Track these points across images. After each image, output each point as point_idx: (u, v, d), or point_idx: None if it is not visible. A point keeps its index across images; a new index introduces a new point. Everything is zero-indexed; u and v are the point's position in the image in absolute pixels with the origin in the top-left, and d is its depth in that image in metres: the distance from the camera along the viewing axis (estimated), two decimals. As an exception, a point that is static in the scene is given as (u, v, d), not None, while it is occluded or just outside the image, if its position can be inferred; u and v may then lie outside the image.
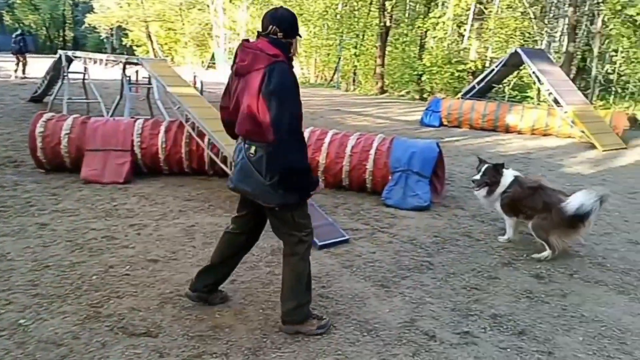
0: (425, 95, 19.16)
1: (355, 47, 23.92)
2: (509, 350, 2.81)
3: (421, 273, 3.75)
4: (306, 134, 5.89)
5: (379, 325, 2.99)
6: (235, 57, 2.67)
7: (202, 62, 33.00)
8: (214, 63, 31.28)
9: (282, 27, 2.61)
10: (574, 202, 3.94)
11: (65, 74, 9.35)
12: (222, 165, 5.56)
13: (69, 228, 4.24)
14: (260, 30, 2.65)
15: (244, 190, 2.72)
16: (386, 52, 21.97)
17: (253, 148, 2.62)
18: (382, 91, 21.35)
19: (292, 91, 2.55)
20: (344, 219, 4.87)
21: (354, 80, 24.56)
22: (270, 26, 2.60)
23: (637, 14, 12.93)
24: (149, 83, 8.15)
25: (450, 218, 5.09)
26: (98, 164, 5.56)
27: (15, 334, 2.69)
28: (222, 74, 22.54)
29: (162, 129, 5.86)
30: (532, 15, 20.65)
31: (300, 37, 2.76)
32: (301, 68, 29.26)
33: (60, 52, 9.79)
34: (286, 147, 2.52)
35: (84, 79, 9.67)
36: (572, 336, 2.99)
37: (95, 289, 3.24)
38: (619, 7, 13.43)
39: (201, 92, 10.59)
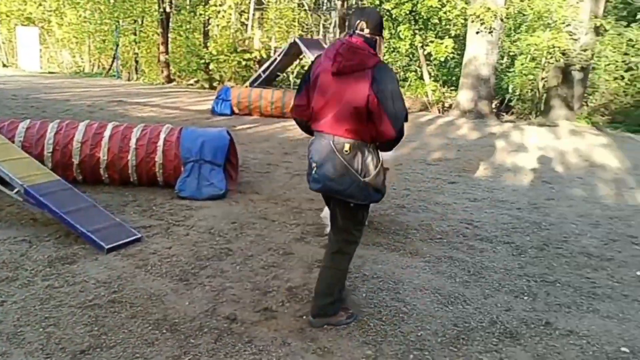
0: (215, 84, 19.09)
1: (135, 34, 22.48)
2: (304, 317, 3.03)
3: (220, 260, 3.78)
4: (81, 128, 5.37)
5: (179, 319, 2.94)
6: (332, 55, 2.57)
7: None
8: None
9: (370, 24, 2.62)
10: None
11: None
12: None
13: None
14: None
15: (336, 189, 2.67)
16: (169, 39, 21.19)
17: (347, 146, 2.61)
18: (169, 80, 20.59)
19: (400, 90, 2.63)
20: (135, 217, 4.61)
21: (136, 69, 23.11)
22: (359, 21, 2.62)
23: (393, 8, 14.91)
24: None
25: (247, 203, 5.22)
26: None
27: None
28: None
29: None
30: (307, 7, 22.21)
31: (383, 37, 2.79)
32: (73, 56, 26.39)
33: None
34: (397, 144, 2.69)
35: None
36: (357, 294, 3.37)
37: None
38: (377, 2, 15.27)
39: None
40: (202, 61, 19.47)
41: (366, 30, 2.63)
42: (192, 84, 20.24)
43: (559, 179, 7.02)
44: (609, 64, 14.28)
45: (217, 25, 20.67)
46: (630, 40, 14.07)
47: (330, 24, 24.10)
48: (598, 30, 13.27)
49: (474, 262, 3.96)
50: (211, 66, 19.36)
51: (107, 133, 5.39)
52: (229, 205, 5.13)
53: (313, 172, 2.74)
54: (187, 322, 2.91)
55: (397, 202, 5.57)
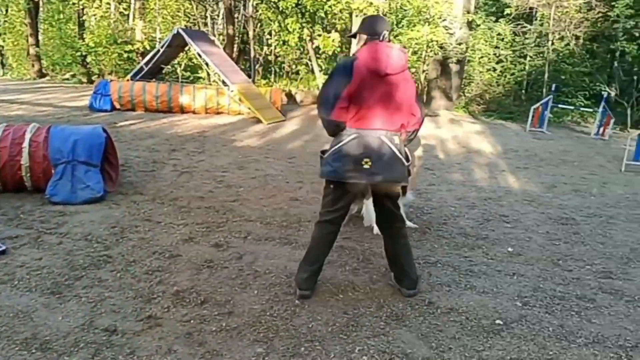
0: (94, 78, 17.78)
1: (-2, 25, 20.26)
2: (192, 322, 2.90)
3: (98, 269, 3.50)
4: None
5: (50, 336, 2.66)
6: (383, 58, 2.88)
7: None
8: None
9: (388, 33, 3.07)
10: None
11: None
12: None
13: None
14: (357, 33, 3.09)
15: (391, 178, 3.03)
16: (40, 30, 19.35)
17: (397, 138, 3.04)
18: (42, 75, 18.84)
19: None
20: (-1, 227, 4.12)
21: (2, 64, 20.82)
22: (385, 32, 3.02)
23: (279, 0, 14.87)
24: None
25: (129, 205, 4.89)
26: None
27: None
28: None
29: None
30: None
31: None
32: None
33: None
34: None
35: None
36: (248, 292, 3.29)
37: None
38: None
39: None
40: (78, 54, 18.02)
41: (387, 39, 3.05)
42: (67, 79, 18.68)
43: (440, 165, 7.48)
44: (481, 57, 15.53)
45: (94, 16, 19.25)
46: (499, 34, 15.41)
47: (217, 15, 23.49)
48: (471, 25, 14.34)
49: (363, 249, 4.06)
50: (89, 59, 17.99)
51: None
52: (108, 208, 4.77)
53: (365, 166, 2.96)
54: (60, 338, 2.65)
55: (290, 195, 5.56)
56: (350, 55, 3.23)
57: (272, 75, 19.73)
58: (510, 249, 4.17)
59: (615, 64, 16.70)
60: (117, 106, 11.05)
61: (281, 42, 18.16)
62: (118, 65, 18.05)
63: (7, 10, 20.53)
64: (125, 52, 17.83)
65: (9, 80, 18.31)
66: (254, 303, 3.15)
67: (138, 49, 18.02)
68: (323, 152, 3.14)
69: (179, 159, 6.98)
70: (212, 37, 16.16)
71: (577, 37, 14.65)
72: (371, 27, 3.05)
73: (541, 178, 6.93)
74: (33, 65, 18.99)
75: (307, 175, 6.42)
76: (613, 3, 13.98)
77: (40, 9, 19.48)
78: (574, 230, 4.73)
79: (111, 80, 11.95)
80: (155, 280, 3.37)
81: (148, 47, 17.97)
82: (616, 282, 3.63)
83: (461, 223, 4.82)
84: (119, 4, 19.77)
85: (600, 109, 11.50)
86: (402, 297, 3.26)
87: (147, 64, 12.14)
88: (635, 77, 15.14)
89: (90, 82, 17.43)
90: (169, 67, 15.91)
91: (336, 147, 3.00)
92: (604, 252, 4.20)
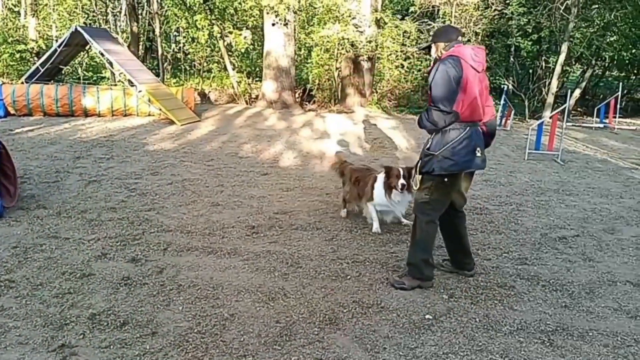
0: (-18, 81, 16.11)
1: None
2: (112, 347, 2.67)
3: (0, 296, 3.13)
4: None
5: (-57, 382, 2.33)
6: (478, 59, 3.26)
7: None
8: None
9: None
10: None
11: None
12: None
13: None
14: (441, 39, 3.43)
15: (485, 164, 3.45)
16: None
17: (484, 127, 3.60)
18: None
19: None
20: None
21: None
22: (460, 36, 3.43)
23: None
24: None
25: (31, 221, 4.45)
26: None
27: None
28: None
29: None
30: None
31: None
32: None
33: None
34: None
35: None
36: (172, 308, 3.10)
37: None
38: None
39: None
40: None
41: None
42: (-50, 82, 16.77)
43: (359, 162, 7.56)
44: (390, 54, 16.00)
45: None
46: (406, 32, 15.97)
47: (119, 11, 22.24)
48: (379, 23, 14.72)
49: (291, 252, 3.99)
50: (-25, 60, 16.29)
51: None
52: (7, 226, 4.31)
53: (478, 155, 3.30)
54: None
55: (211, 200, 5.35)
56: (435, 57, 3.49)
57: (183, 74, 19.04)
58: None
59: (512, 58, 17.98)
60: (12, 111, 10.08)
61: (190, 39, 17.57)
62: (10, 66, 16.52)
63: None
64: (18, 52, 16.36)
65: None
66: (179, 320, 2.97)
67: (32, 48, 16.61)
68: (429, 150, 3.31)
69: (85, 167, 6.48)
70: (114, 35, 15.30)
71: (477, 34, 15.50)
72: (452, 32, 3.45)
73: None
74: None
75: (227, 178, 6.22)
76: (507, 1, 15.00)
77: None
78: (488, 220, 4.98)
79: (3, 83, 10.88)
80: (67, 304, 3.08)
81: (44, 47, 16.63)
82: (531, 267, 3.86)
83: (387, 219, 4.86)
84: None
85: (502, 102, 12.28)
86: (333, 300, 3.23)
87: (43, 64, 11.20)
88: (530, 71, 16.36)
89: (-22, 85, 15.78)
90: (69, 67, 14.81)
91: (455, 140, 3.22)
92: (518, 240, 4.45)
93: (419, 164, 3.41)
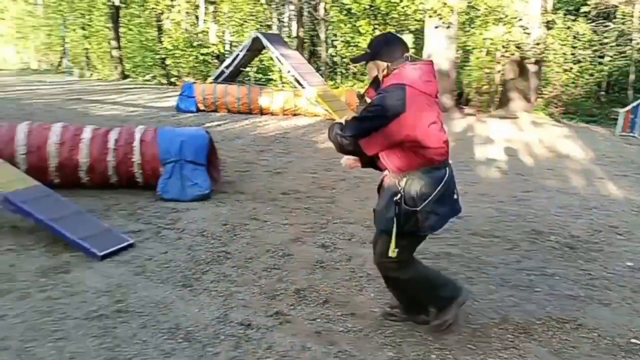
0: (172, 80, 18.59)
1: (84, 28, 21.56)
2: (318, 320, 2.98)
3: (220, 264, 3.67)
4: (57, 130, 5.08)
5: (192, 327, 2.83)
6: (426, 80, 2.56)
7: None
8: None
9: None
10: None
11: None
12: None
13: None
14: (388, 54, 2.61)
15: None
16: (121, 34, 20.45)
17: None
18: (124, 76, 19.92)
19: None
20: (121, 221, 4.41)
21: (87, 65, 22.18)
22: (407, 54, 2.61)
23: (352, 3, 14.97)
24: None
25: (234, 204, 5.09)
26: None
27: None
28: None
29: None
30: (263, 1, 21.89)
31: None
32: (18, 52, 25.02)
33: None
34: None
35: None
36: (365, 294, 3.34)
37: None
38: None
39: None
40: (158, 56, 18.91)
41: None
42: (148, 80, 19.63)
43: (531, 171, 7.24)
44: (558, 57, 14.89)
45: (169, 19, 20.11)
46: (577, 33, 14.72)
47: (285, 17, 23.88)
48: (548, 25, 13.79)
49: (470, 257, 4.01)
50: (168, 61, 18.83)
51: (86, 135, 5.14)
52: (215, 206, 4.99)
53: (455, 196, 2.73)
54: (201, 330, 2.80)
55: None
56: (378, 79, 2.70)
57: (339, 77, 19.84)
58: (629, 263, 3.98)
59: None
60: (202, 107, 11.51)
61: (352, 45, 18.22)
62: (195, 67, 18.79)
63: (91, 16, 21.79)
64: (202, 54, 18.54)
65: (95, 81, 19.47)
66: (372, 306, 3.19)
67: (213, 52, 18.68)
68: (399, 201, 2.55)
69: (268, 160, 7.18)
70: (284, 40, 16.51)
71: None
72: (397, 46, 2.63)
73: (644, 187, 6.56)
74: (116, 67, 20.11)
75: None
76: None
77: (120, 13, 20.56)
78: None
79: (194, 83, 12.45)
80: (275, 278, 3.50)
81: (222, 50, 18.61)
82: None
83: (570, 233, 4.63)
84: (195, 9, 20.55)
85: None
86: (524, 310, 3.19)
87: (227, 67, 12.56)
88: None
89: (170, 83, 18.24)
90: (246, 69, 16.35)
91: (439, 189, 2.56)
92: None
93: (392, 221, 2.57)
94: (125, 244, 3.84)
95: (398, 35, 2.73)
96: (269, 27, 23.06)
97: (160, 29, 20.24)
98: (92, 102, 12.24)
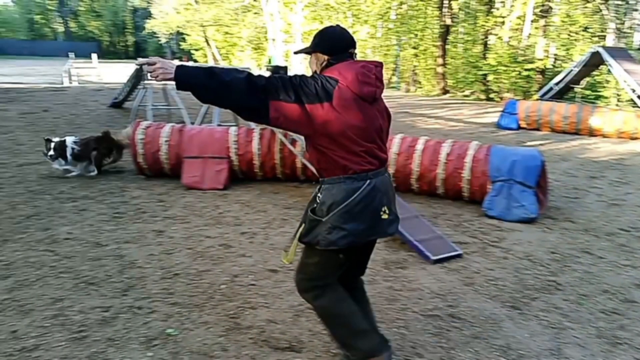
0: (491, 96, 18.59)
1: (415, 47, 23.55)
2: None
3: (551, 294, 3.54)
4: (397, 141, 5.76)
5: (524, 351, 2.82)
6: (363, 80, 2.21)
7: (259, 64, 33.43)
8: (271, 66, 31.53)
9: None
10: None
11: (146, 81, 9.57)
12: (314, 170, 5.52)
13: (184, 235, 4.32)
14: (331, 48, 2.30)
15: (397, 227, 2.41)
16: (447, 51, 21.52)
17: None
18: (445, 91, 20.92)
19: None
20: (448, 231, 4.70)
21: (413, 81, 24.18)
22: (352, 49, 2.34)
23: None
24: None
25: (562, 232, 4.81)
26: (197, 171, 5.66)
27: (167, 344, 2.72)
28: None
29: (256, 136, 5.89)
30: (605, 11, 19.59)
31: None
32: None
33: (140, 60, 10.04)
34: None
35: (164, 86, 9.89)
36: None
37: (227, 299, 3.26)
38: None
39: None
40: (480, 73, 19.17)
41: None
42: (467, 96, 20.13)
43: None
44: None
45: (495, 35, 20.04)
46: None
47: (627, 25, 20.69)
48: None
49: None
50: (489, 77, 18.90)
51: (419, 146, 5.70)
52: (542, 232, 4.81)
53: (384, 216, 2.28)
54: (533, 356, 2.78)
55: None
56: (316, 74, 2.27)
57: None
58: None
59: None
60: (523, 125, 11.18)
61: None
62: (515, 83, 18.33)
63: (423, 35, 23.63)
64: (525, 70, 17.92)
65: (418, 96, 21.11)
66: None
67: (537, 67, 17.83)
68: (314, 211, 2.27)
69: (601, 188, 6.48)
70: (630, 54, 14.48)
71: None
72: (340, 42, 2.31)
73: None
74: (438, 83, 21.32)
75: None
76: None
77: (449, 32, 21.62)
78: None
79: (518, 100, 12.18)
80: (616, 324, 3.17)
81: (547, 65, 17.56)
82: None
83: None
84: (521, 24, 19.96)
85: None
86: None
87: (557, 83, 11.83)
88: None
89: (489, 99, 18.30)
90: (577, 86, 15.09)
91: (350, 201, 2.20)
92: None
93: (299, 228, 2.34)
94: (455, 253, 4.10)
95: (346, 30, 2.37)
96: (602, 38, 20.54)
97: (485, 45, 20.48)
98: (418, 115, 13.32)
